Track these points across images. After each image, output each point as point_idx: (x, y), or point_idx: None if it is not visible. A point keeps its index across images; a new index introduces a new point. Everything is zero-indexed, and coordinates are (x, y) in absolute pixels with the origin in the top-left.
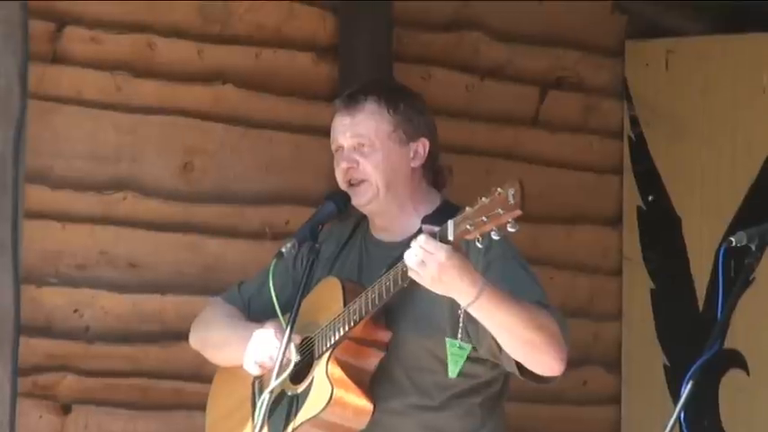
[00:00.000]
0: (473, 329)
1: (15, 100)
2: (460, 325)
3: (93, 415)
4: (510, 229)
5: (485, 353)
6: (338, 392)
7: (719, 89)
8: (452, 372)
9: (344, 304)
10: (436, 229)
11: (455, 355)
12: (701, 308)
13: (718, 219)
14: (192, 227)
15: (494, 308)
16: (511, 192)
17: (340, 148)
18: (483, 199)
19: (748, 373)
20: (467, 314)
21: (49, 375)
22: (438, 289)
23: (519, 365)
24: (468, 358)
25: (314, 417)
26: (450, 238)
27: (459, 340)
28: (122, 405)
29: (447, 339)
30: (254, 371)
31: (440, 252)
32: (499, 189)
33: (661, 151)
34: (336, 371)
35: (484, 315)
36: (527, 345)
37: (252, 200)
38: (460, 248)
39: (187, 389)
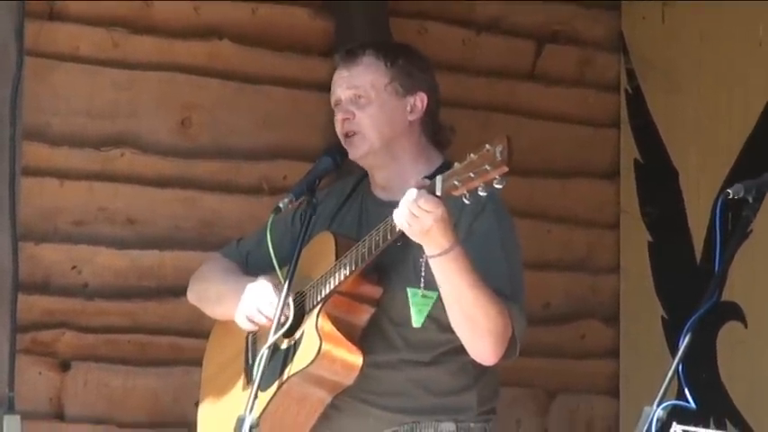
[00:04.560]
0: None
1: (12, 57)
2: (422, 273)
3: (92, 371)
4: (497, 186)
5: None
6: (326, 346)
7: (716, 42)
8: (417, 321)
9: (336, 259)
10: (427, 182)
11: (418, 304)
12: (698, 260)
13: (715, 172)
14: (189, 182)
15: (454, 270)
16: (498, 148)
17: (338, 101)
18: (471, 155)
19: (746, 326)
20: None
21: (48, 332)
22: (419, 239)
23: None
24: None
25: (302, 370)
26: (438, 193)
27: (423, 288)
28: (121, 361)
29: (408, 288)
30: (246, 325)
31: (438, 209)
32: (487, 145)
33: (658, 104)
34: (326, 325)
35: (442, 273)
36: (468, 321)
37: (249, 155)
38: (446, 203)
39: (185, 344)
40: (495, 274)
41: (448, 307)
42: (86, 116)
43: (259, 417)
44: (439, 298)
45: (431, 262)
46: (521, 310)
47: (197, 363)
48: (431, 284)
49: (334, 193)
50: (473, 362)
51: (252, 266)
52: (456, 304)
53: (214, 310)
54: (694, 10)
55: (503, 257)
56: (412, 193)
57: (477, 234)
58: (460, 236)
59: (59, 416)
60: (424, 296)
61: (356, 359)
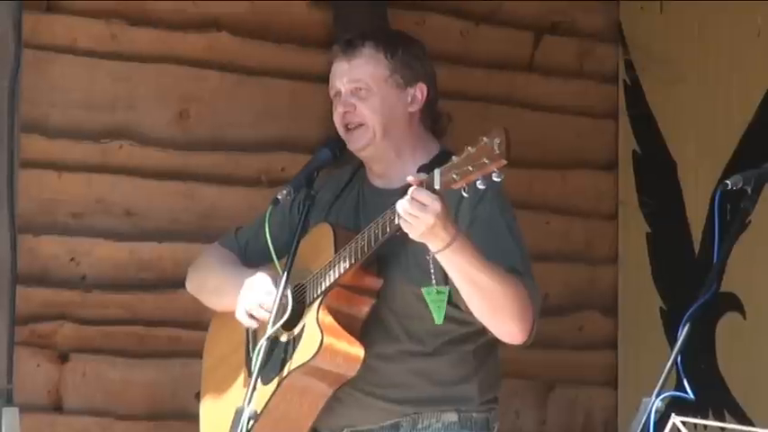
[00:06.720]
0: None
1: (10, 50)
2: (431, 270)
3: (90, 363)
4: (495, 179)
5: (462, 305)
6: (328, 340)
7: (714, 32)
8: (438, 318)
9: (335, 251)
10: (424, 176)
11: (435, 301)
12: (696, 252)
13: (713, 163)
14: (187, 174)
15: (462, 260)
16: (496, 141)
17: (338, 93)
18: (469, 148)
19: (745, 317)
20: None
21: (47, 324)
22: (421, 239)
23: None
24: (458, 307)
25: (304, 364)
26: (437, 187)
27: (435, 285)
28: (119, 353)
29: (423, 288)
30: (247, 321)
31: (435, 204)
32: (485, 138)
33: (656, 95)
34: (327, 318)
35: (451, 266)
36: (490, 307)
37: (247, 147)
38: (444, 197)
39: (184, 336)
40: (507, 254)
41: (466, 298)
42: (84, 108)
43: (262, 410)
44: (451, 290)
45: (438, 257)
46: (535, 285)
47: (195, 355)
48: (440, 280)
49: (332, 183)
50: (473, 352)
51: (250, 256)
52: (474, 293)
53: (213, 302)
54: (692, 0)
55: (510, 236)
56: (408, 194)
57: (480, 219)
58: (464, 224)
59: (58, 408)
60: (438, 292)
61: (358, 351)
